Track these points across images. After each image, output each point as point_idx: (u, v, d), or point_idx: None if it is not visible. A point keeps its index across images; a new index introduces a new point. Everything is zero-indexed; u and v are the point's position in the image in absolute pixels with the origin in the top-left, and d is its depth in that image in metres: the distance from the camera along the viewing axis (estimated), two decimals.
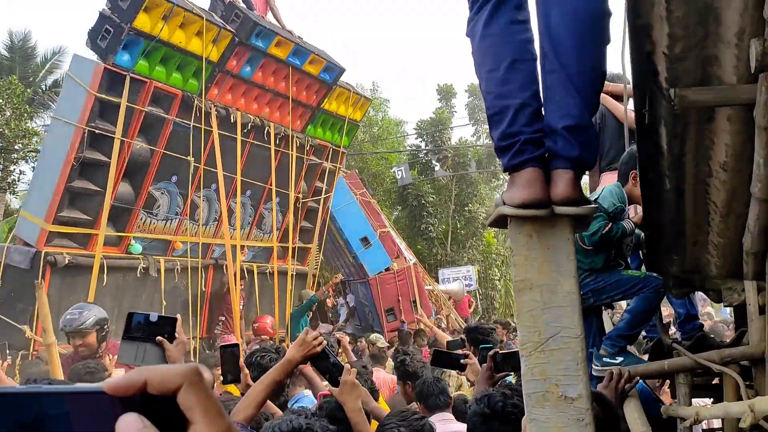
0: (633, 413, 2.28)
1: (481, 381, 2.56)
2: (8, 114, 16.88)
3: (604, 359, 2.80)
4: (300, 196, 9.90)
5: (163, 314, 2.43)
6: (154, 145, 7.49)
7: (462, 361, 2.65)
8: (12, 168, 18.37)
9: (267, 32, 8.30)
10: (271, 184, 9.10)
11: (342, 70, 9.60)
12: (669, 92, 1.87)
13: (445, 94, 26.31)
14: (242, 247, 8.92)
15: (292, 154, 9.23)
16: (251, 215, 9.26)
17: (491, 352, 2.52)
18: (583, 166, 1.44)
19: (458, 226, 24.25)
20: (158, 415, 0.43)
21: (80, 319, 4.16)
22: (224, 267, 8.44)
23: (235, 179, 8.46)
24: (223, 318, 8.55)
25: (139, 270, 7.56)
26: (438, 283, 16.96)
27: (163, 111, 7.47)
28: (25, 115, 17.56)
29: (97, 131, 6.91)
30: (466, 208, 24.22)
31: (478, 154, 25.42)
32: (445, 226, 23.92)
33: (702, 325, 3.34)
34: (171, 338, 2.34)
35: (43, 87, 23.18)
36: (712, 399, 3.05)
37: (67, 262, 6.89)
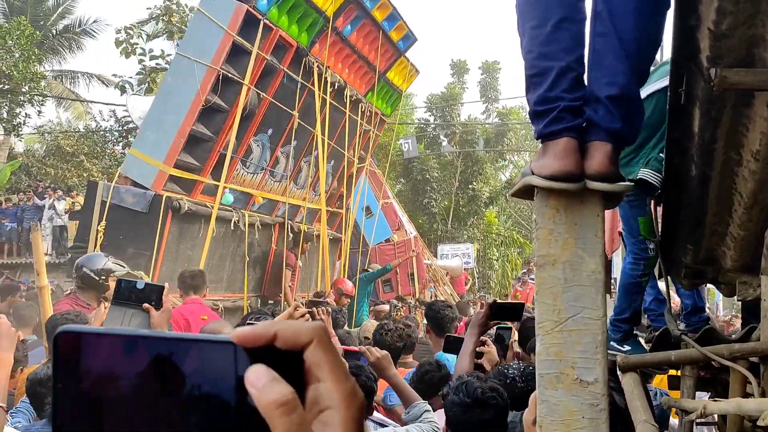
0: (635, 401, 2.22)
1: (474, 324, 2.55)
2: (17, 56, 16.67)
3: (611, 343, 2.75)
4: (355, 161, 9.82)
5: (150, 282, 2.50)
6: (261, 95, 7.19)
7: (479, 348, 2.61)
8: (18, 110, 18.23)
9: None
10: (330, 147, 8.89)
11: (415, 40, 9.49)
12: (709, 72, 1.77)
13: (458, 69, 25.96)
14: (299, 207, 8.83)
15: (360, 121, 9.14)
16: (312, 176, 9.10)
17: (491, 301, 2.51)
18: (622, 141, 1.35)
19: (460, 203, 24.17)
20: (280, 370, 0.43)
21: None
22: (289, 227, 8.34)
23: (310, 139, 8.24)
24: (288, 282, 8.31)
25: (233, 222, 7.25)
26: (437, 258, 16.95)
27: (277, 61, 7.22)
28: (33, 57, 17.36)
29: (230, 75, 6.54)
30: (470, 186, 24.11)
31: (486, 133, 25.19)
32: (448, 203, 23.84)
33: (709, 318, 3.29)
34: (158, 305, 2.38)
35: (54, 31, 22.88)
36: (709, 393, 3.01)
37: (187, 208, 6.51)
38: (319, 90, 7.86)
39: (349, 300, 8.40)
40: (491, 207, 25.75)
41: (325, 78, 8.04)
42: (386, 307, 9.31)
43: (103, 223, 6.12)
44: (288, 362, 0.43)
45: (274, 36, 6.91)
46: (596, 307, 1.26)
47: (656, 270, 3.14)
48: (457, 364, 2.47)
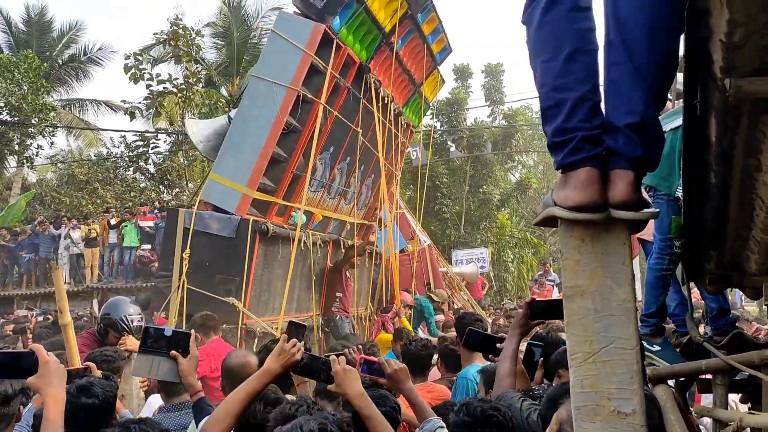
0: (669, 414, 2.20)
1: (515, 326, 2.49)
2: (25, 89, 16.89)
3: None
4: (395, 173, 9.87)
5: (176, 329, 2.50)
6: (329, 113, 7.19)
7: (499, 345, 2.58)
8: (29, 142, 18.44)
9: (430, 7, 8.17)
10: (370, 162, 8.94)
11: (450, 51, 9.55)
12: (723, 82, 1.76)
13: (462, 74, 25.96)
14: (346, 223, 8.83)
15: (398, 133, 9.19)
16: (355, 191, 9.14)
17: (528, 299, 2.45)
18: (644, 167, 1.33)
19: (472, 207, 24.11)
20: None
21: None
22: (340, 243, 8.33)
23: (359, 154, 8.23)
24: (340, 295, 8.35)
25: (303, 242, 7.19)
26: (451, 264, 16.89)
27: (343, 79, 7.26)
28: (42, 89, 17.58)
29: (308, 95, 6.53)
30: (481, 190, 24.06)
31: (493, 136, 25.14)
32: (459, 208, 23.78)
33: (736, 320, 3.24)
34: (185, 352, 2.39)
35: (60, 61, 23.16)
36: (740, 395, 2.96)
37: (272, 231, 6.45)
38: (377, 108, 7.85)
39: (410, 310, 8.57)
40: (503, 209, 25.68)
41: (383, 97, 8.07)
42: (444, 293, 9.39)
43: (188, 250, 6.02)
44: None
45: (343, 54, 6.96)
46: (629, 336, 1.25)
47: (680, 274, 3.12)
48: (498, 367, 2.42)
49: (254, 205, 6.62)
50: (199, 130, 8.12)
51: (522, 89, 46.86)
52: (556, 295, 15.59)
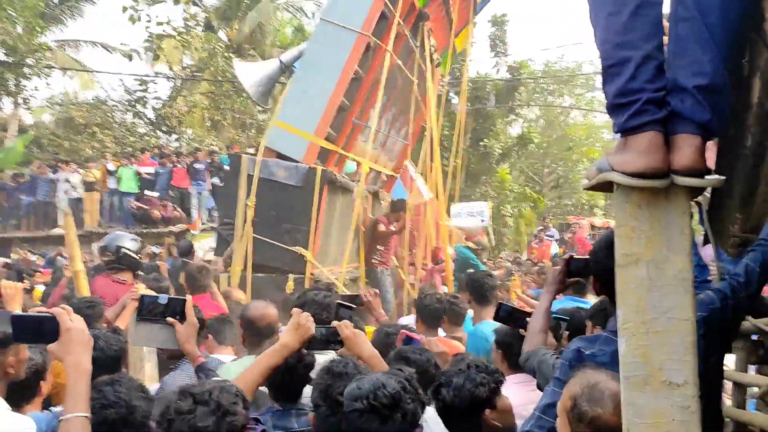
0: None
1: (551, 283, 2.45)
2: (20, 28, 16.46)
3: None
4: (432, 124, 9.69)
5: (172, 296, 2.48)
6: (397, 60, 7.01)
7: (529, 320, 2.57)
8: (25, 84, 18.09)
9: None
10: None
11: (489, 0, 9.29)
12: None
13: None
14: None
15: (443, 86, 9.00)
16: (395, 142, 8.97)
17: (566, 256, 2.42)
18: (711, 133, 1.28)
19: (472, 160, 23.95)
20: None
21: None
22: (379, 194, 8.23)
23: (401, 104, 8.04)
24: (381, 248, 8.16)
25: (355, 191, 6.99)
26: (450, 217, 16.88)
27: (404, 26, 7.05)
28: (37, 29, 17.13)
29: (373, 42, 6.29)
30: (481, 143, 23.86)
31: (497, 88, 24.76)
32: (460, 161, 23.63)
33: None
34: (182, 319, 2.38)
35: (55, 0, 22.47)
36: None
37: (340, 180, 6.29)
38: (429, 58, 7.60)
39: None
40: (503, 163, 25.52)
41: (432, 47, 7.83)
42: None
43: (252, 198, 5.85)
44: None
45: (406, 1, 6.68)
46: (684, 307, 1.22)
47: (696, 238, 3.08)
48: (530, 323, 2.42)
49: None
50: (248, 73, 7.83)
51: (526, 42, 45.99)
52: (555, 249, 15.67)
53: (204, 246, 11.53)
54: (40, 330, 1.79)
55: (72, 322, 1.78)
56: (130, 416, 1.87)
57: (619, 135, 1.29)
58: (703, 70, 1.23)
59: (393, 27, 6.43)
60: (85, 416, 1.66)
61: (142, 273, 4.63)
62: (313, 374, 2.24)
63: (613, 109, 1.28)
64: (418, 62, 7.81)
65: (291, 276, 5.55)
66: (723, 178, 1.31)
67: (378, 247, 8.01)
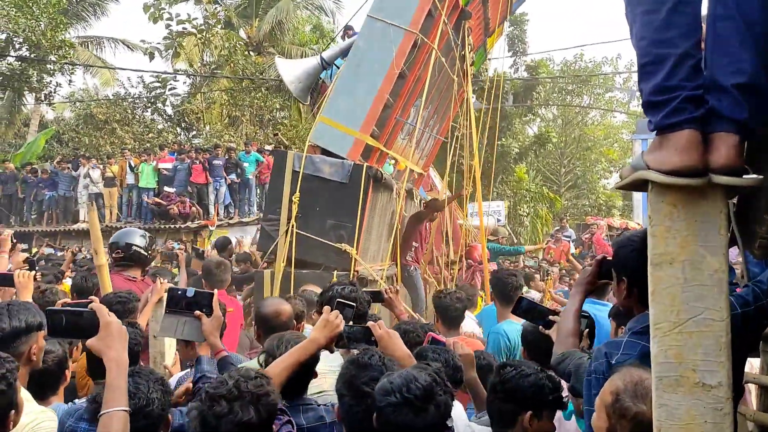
0: None
1: (580, 283, 2.38)
2: (43, 24, 16.66)
3: None
4: (466, 125, 9.65)
5: (199, 290, 2.51)
6: (442, 58, 6.94)
7: (551, 317, 2.54)
8: (48, 80, 18.31)
9: None
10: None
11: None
12: None
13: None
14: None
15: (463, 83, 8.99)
16: (427, 140, 8.92)
17: (599, 257, 2.38)
18: (749, 132, 1.26)
19: (489, 159, 23.88)
20: None
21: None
22: (413, 192, 8.14)
23: (437, 102, 7.99)
24: (416, 245, 8.15)
25: (395, 190, 6.93)
26: (467, 217, 16.84)
27: (449, 25, 7.04)
28: (61, 26, 17.33)
29: (420, 39, 6.26)
30: (499, 142, 23.75)
31: (515, 87, 24.65)
32: (479, 161, 23.57)
33: None
34: (209, 312, 2.43)
35: None
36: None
37: (384, 178, 6.24)
38: (468, 57, 7.62)
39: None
40: (520, 163, 25.41)
41: (469, 45, 7.81)
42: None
43: (297, 193, 5.83)
44: None
45: None
46: (719, 308, 1.21)
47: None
48: (560, 324, 2.39)
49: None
50: (289, 69, 7.83)
51: (545, 42, 45.69)
52: (572, 250, 15.55)
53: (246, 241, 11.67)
54: (78, 324, 1.80)
55: (110, 316, 1.80)
56: (147, 408, 1.89)
57: (654, 133, 1.28)
58: (742, 69, 1.22)
59: (439, 25, 6.39)
60: (126, 410, 1.68)
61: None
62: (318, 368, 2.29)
63: (648, 106, 1.27)
64: (456, 61, 7.77)
65: (336, 273, 5.55)
66: (761, 177, 1.29)
67: (414, 244, 7.94)
